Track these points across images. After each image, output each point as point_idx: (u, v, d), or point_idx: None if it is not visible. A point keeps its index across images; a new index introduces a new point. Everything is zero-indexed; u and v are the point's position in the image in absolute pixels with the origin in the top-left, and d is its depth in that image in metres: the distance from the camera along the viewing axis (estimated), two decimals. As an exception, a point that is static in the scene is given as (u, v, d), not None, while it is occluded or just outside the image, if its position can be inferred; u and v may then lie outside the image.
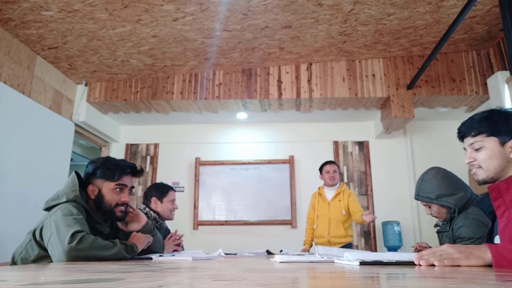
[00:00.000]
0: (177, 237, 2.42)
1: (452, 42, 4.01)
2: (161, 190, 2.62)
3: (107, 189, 1.64)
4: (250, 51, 3.97)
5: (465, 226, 1.84)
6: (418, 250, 2.12)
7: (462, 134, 1.36)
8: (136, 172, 1.74)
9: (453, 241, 1.90)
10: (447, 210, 1.96)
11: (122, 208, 1.67)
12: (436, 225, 2.19)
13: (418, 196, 2.04)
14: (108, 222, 1.72)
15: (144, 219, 1.82)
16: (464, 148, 1.37)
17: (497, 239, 1.26)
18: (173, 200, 2.64)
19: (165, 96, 4.35)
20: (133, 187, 1.74)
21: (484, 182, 1.29)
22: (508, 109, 1.32)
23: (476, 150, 1.30)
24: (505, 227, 1.20)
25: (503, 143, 1.26)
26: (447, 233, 1.97)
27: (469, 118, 1.36)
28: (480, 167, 1.29)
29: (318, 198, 3.54)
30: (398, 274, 0.83)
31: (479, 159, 1.29)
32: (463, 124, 1.37)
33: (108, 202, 1.63)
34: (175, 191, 2.73)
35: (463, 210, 1.92)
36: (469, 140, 1.33)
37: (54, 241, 1.39)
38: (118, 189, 1.65)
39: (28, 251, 1.49)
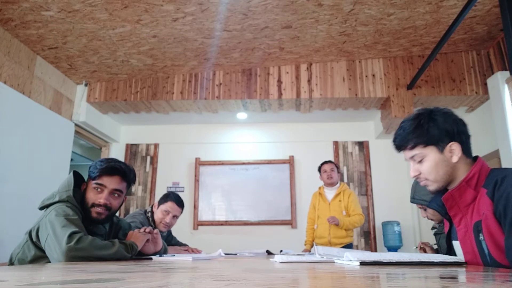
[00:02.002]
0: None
1: (452, 42, 4.01)
2: (163, 197, 2.55)
3: (89, 187, 1.61)
4: (250, 51, 3.97)
5: None
6: (423, 249, 2.10)
7: (399, 148, 1.27)
8: (113, 171, 1.61)
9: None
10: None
11: (99, 209, 1.57)
12: (433, 227, 2.17)
13: (413, 199, 2.02)
14: (105, 223, 1.70)
15: (159, 246, 1.81)
16: (406, 159, 1.29)
17: (455, 245, 1.25)
18: (167, 212, 2.48)
19: (165, 96, 4.35)
20: (120, 191, 1.63)
21: (437, 192, 1.24)
22: (432, 109, 1.24)
23: (419, 162, 1.22)
24: (465, 236, 1.18)
25: (442, 150, 1.19)
26: (444, 234, 1.96)
27: (400, 129, 1.27)
28: (427, 179, 1.22)
29: (319, 198, 3.54)
30: (398, 274, 0.83)
31: (424, 171, 1.22)
32: (396, 136, 1.27)
33: (87, 201, 1.58)
34: (178, 206, 2.52)
35: None
36: (407, 153, 1.25)
37: (52, 242, 1.38)
38: (98, 189, 1.59)
39: (25, 251, 1.49)
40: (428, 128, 1.19)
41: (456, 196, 1.18)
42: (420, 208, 2.04)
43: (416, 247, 2.20)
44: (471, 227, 1.15)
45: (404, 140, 1.24)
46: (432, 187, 1.22)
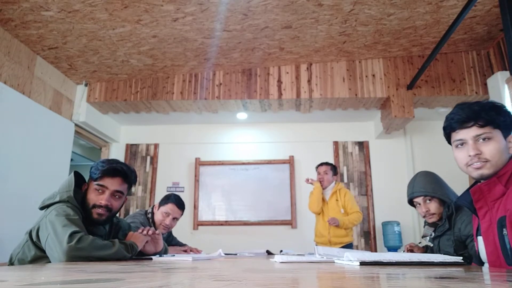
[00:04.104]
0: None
1: (452, 42, 4.01)
2: (164, 198, 2.54)
3: (90, 188, 1.61)
4: (250, 51, 3.97)
5: (471, 223, 1.78)
6: (410, 250, 2.08)
7: (465, 121, 1.19)
8: (114, 173, 1.60)
9: (462, 241, 1.83)
10: (443, 209, 1.93)
11: (100, 210, 1.57)
12: (424, 236, 2.11)
13: (416, 193, 1.95)
14: (106, 224, 1.70)
15: (160, 247, 1.81)
16: (457, 140, 1.22)
17: (480, 240, 1.25)
18: (167, 213, 2.46)
19: (165, 96, 4.35)
20: (121, 192, 1.63)
21: (487, 178, 1.17)
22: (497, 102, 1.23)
23: (483, 142, 1.17)
24: (489, 229, 1.18)
25: (505, 138, 1.18)
26: (448, 233, 1.91)
27: (474, 104, 1.21)
28: (487, 161, 1.16)
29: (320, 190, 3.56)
30: (398, 274, 0.83)
31: (487, 152, 1.16)
32: (466, 108, 1.21)
33: (88, 202, 1.58)
34: (179, 208, 2.51)
35: (459, 209, 1.89)
36: (474, 130, 1.18)
37: (52, 241, 1.38)
38: (99, 190, 1.58)
39: (25, 251, 1.49)
40: (501, 112, 1.18)
41: (485, 190, 1.17)
42: (420, 203, 1.98)
43: (404, 251, 2.16)
44: (495, 222, 1.15)
45: (477, 114, 1.18)
46: (488, 171, 1.17)
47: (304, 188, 4.75)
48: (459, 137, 1.23)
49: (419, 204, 1.98)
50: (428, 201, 1.95)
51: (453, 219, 1.87)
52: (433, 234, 2.00)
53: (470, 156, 1.18)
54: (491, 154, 1.16)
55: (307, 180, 3.54)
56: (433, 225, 2.01)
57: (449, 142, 1.32)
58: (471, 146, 1.19)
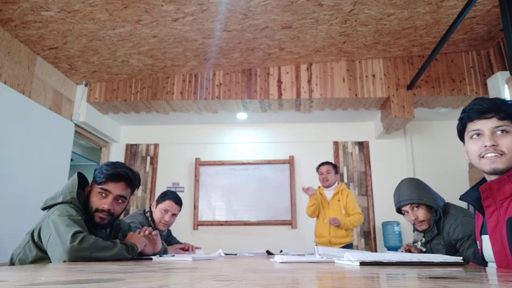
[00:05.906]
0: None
1: (452, 43, 4.01)
2: (161, 196, 2.54)
3: (93, 191, 1.60)
4: (250, 52, 3.97)
5: (459, 226, 1.81)
6: (408, 250, 2.08)
7: (485, 112, 1.18)
8: (119, 177, 1.60)
9: (452, 245, 1.86)
10: (430, 214, 1.94)
11: (102, 214, 1.57)
12: (414, 241, 2.12)
13: (403, 201, 1.96)
14: (107, 227, 1.70)
15: (158, 247, 1.82)
16: (473, 131, 1.20)
17: (485, 238, 1.24)
18: (165, 210, 2.47)
19: (165, 97, 4.35)
20: (124, 197, 1.63)
21: (501, 172, 1.15)
22: None
23: (501, 134, 1.16)
24: (495, 228, 1.17)
25: None
26: (438, 238, 1.92)
27: (488, 99, 1.21)
28: (503, 154, 1.15)
29: (319, 197, 3.54)
30: (398, 275, 0.83)
31: (503, 145, 1.15)
32: (486, 100, 1.20)
33: (91, 205, 1.58)
34: (177, 204, 2.51)
35: (446, 213, 1.90)
36: (493, 122, 1.17)
37: (54, 241, 1.38)
38: (102, 194, 1.58)
39: (26, 252, 1.49)
40: None
41: (494, 188, 1.16)
42: (408, 211, 1.99)
43: (402, 251, 2.17)
44: (504, 221, 1.14)
45: (498, 106, 1.17)
46: (503, 165, 1.15)
47: (304, 188, 4.75)
48: (476, 127, 1.20)
49: (407, 212, 1.99)
50: (415, 208, 1.96)
51: (441, 224, 1.88)
52: (423, 239, 2.02)
53: (485, 146, 1.16)
54: (508, 148, 1.15)
55: (307, 189, 3.42)
56: (422, 230, 2.02)
57: (461, 137, 1.30)
58: (488, 137, 1.16)
